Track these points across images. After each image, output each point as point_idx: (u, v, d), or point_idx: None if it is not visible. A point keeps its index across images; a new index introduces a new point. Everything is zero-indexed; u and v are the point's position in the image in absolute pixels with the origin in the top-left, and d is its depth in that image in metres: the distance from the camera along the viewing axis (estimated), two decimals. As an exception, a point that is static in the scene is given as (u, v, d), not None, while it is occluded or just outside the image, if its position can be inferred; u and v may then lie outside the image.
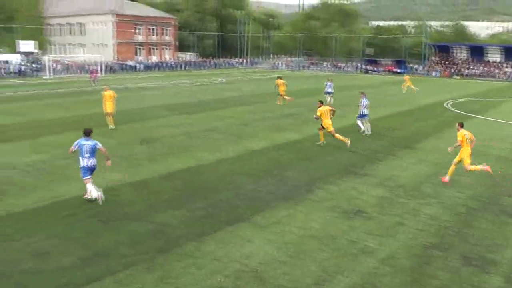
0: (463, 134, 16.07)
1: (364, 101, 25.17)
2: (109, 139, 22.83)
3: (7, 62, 74.26)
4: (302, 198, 14.67)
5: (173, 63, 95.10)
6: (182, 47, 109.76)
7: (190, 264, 10.29)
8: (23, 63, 74.16)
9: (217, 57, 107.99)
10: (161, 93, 46.02)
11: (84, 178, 13.92)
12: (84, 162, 13.91)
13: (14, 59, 75.84)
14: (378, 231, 12.29)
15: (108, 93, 26.41)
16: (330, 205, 14.11)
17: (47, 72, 69.84)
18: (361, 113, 25.42)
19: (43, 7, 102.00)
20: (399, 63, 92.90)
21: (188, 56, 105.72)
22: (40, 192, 14.88)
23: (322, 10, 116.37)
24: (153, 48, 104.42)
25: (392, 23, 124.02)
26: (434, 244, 11.60)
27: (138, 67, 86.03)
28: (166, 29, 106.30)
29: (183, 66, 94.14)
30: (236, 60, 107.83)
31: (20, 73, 70.57)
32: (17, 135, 23.83)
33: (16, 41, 77.36)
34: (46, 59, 73.58)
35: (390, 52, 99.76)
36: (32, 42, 78.43)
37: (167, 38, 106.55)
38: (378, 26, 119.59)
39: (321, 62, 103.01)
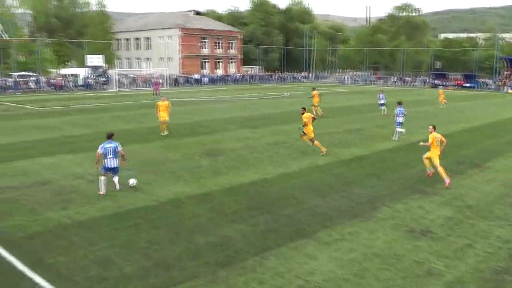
0: (434, 136, 18.51)
1: (400, 111, 27.88)
2: (173, 152, 23.53)
3: (76, 75, 77.29)
4: (367, 215, 14.59)
5: (238, 76, 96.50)
6: (247, 60, 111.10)
7: (252, 279, 10.42)
8: (90, 77, 76.97)
9: (282, 71, 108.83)
10: (226, 106, 46.73)
11: (102, 172, 16.35)
12: (107, 162, 16.33)
13: (83, 72, 78.81)
14: (446, 252, 12.05)
15: (163, 104, 29.36)
16: (396, 223, 13.97)
17: (114, 85, 72.40)
18: (397, 121, 27.98)
19: (111, 22, 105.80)
20: (469, 77, 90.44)
21: (253, 70, 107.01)
22: (105, 202, 15.45)
23: (389, 23, 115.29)
24: (218, 62, 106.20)
25: (461, 35, 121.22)
26: (506, 269, 11.26)
27: (202, 80, 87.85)
28: (232, 43, 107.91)
29: (248, 80, 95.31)
30: (301, 74, 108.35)
31: (87, 86, 73.55)
32: (84, 146, 24.70)
33: (85, 55, 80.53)
34: (113, 72, 76.23)
35: (459, 66, 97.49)
36: (100, 56, 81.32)
37: (232, 51, 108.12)
38: (446, 38, 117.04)
39: (387, 76, 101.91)
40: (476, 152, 25.33)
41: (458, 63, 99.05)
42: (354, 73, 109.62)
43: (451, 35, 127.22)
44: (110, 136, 16.66)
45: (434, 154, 18.48)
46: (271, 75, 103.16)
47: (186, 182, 17.97)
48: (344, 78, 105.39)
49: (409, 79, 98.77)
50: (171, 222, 13.68)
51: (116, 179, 16.69)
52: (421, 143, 19.24)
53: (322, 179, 18.95)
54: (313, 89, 41.40)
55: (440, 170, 18.24)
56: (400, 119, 27.87)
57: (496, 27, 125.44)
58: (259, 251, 11.81)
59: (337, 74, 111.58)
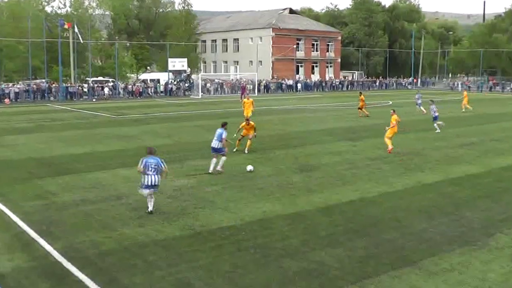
0: (395, 117, 27.53)
1: (433, 107, 36.29)
2: (264, 166, 23.76)
3: (158, 81, 79.27)
4: (480, 243, 14.08)
5: (336, 82, 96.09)
6: (346, 64, 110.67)
7: (348, 310, 10.36)
8: (173, 82, 78.71)
9: (385, 76, 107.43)
10: (321, 115, 46.74)
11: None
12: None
13: (164, 77, 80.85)
14: None
15: (248, 101, 38.49)
16: (514, 253, 13.62)
17: (198, 91, 73.75)
18: (434, 115, 36.08)
19: (196, 22, 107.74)
20: None
21: (352, 75, 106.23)
22: (186, 220, 15.75)
23: (508, 20, 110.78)
24: (315, 66, 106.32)
25: None
26: None
27: (297, 87, 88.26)
28: (330, 45, 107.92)
29: (347, 86, 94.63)
30: (407, 80, 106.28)
31: (169, 92, 75.33)
32: (165, 158, 24.85)
33: (167, 59, 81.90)
34: (197, 77, 77.67)
35: None
36: (184, 59, 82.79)
37: (330, 54, 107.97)
38: None
39: (507, 82, 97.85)
40: None
41: None
42: (467, 78, 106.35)
43: None
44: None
45: (392, 131, 27.18)
46: (374, 81, 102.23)
47: (276, 200, 18.06)
48: (455, 84, 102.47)
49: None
50: (258, 244, 13.75)
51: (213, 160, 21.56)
52: (386, 128, 27.75)
53: (429, 199, 18.53)
54: (360, 93, 50.28)
55: (387, 140, 26.87)
56: (435, 114, 35.98)
57: None
58: (356, 279, 11.68)
59: (447, 79, 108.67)
